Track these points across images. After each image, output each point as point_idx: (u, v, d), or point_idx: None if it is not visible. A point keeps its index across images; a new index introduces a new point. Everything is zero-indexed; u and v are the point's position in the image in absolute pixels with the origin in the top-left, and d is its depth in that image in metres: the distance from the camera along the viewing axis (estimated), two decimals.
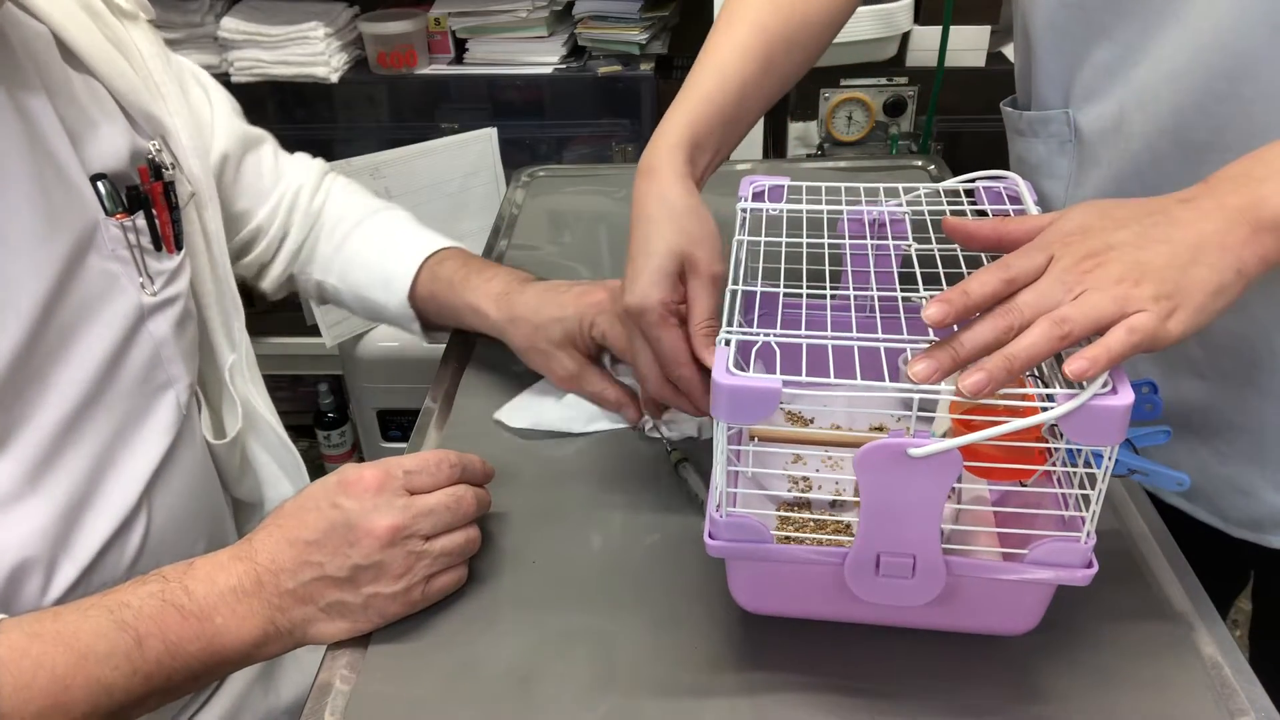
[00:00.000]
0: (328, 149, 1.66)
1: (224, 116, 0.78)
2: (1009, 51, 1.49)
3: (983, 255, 0.58)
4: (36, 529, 0.57)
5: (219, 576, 0.55)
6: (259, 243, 0.83)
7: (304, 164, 0.86)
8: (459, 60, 1.61)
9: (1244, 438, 0.69)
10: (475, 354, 0.85)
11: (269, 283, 0.86)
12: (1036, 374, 0.56)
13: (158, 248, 0.65)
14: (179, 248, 0.67)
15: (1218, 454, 0.71)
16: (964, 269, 0.57)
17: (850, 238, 0.64)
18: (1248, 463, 0.70)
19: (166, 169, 0.66)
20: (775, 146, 1.58)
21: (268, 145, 0.83)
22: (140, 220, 0.63)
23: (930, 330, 0.50)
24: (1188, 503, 0.75)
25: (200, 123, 0.75)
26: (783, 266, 0.58)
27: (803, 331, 0.50)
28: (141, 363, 0.64)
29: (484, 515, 0.67)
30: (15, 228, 0.56)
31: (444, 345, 0.86)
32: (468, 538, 0.60)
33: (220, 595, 0.54)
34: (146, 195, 0.64)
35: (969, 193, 0.65)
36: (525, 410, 0.76)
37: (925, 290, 0.57)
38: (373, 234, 0.83)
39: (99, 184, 0.61)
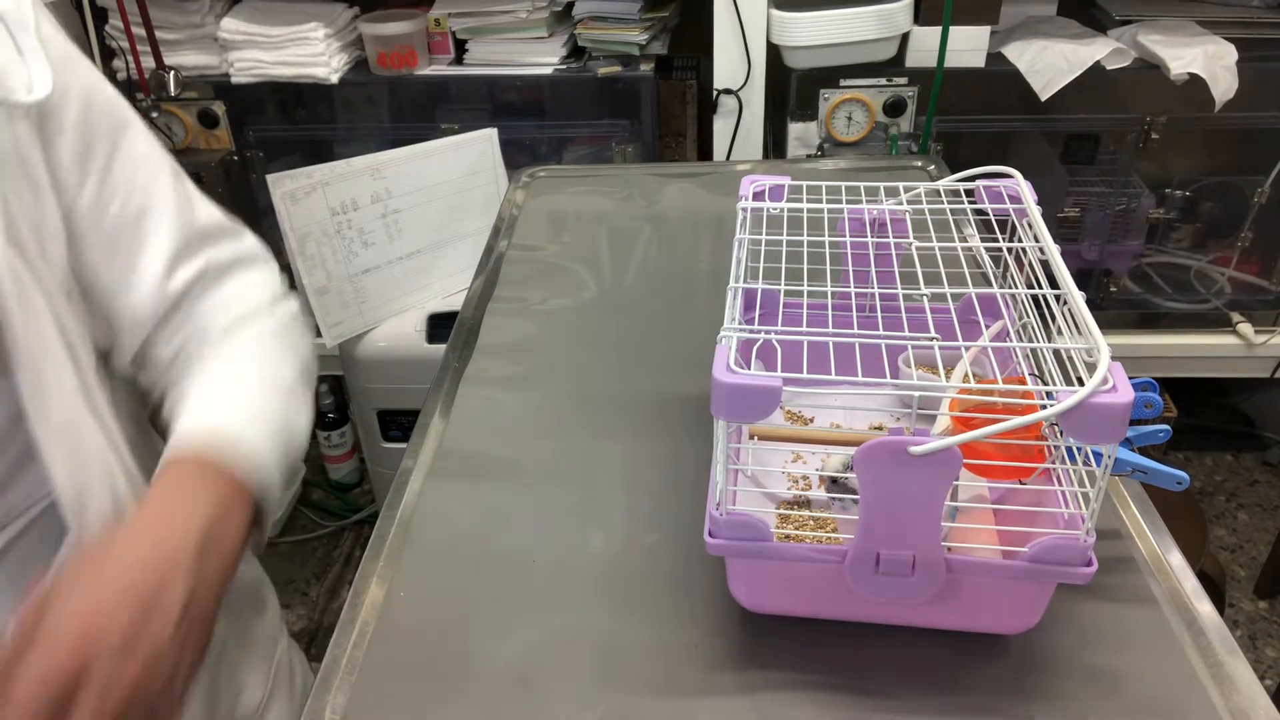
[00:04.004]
0: (328, 149, 1.67)
1: None
2: (1009, 52, 1.49)
3: (983, 253, 0.58)
4: None
5: None
6: None
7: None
8: (459, 61, 1.61)
9: None
10: (475, 354, 0.85)
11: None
12: (1036, 373, 0.56)
13: None
14: None
15: None
16: (964, 267, 0.57)
17: (850, 236, 0.64)
18: None
19: None
20: (775, 147, 1.58)
21: None
22: None
23: (930, 329, 0.50)
24: None
25: None
26: (783, 266, 0.59)
27: (804, 329, 0.50)
28: None
29: (485, 514, 0.67)
30: None
31: (444, 345, 0.87)
32: None
33: None
34: None
35: (969, 191, 0.65)
36: None
37: (926, 289, 0.57)
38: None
39: None
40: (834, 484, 0.62)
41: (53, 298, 0.55)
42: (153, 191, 0.62)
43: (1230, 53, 1.44)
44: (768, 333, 0.51)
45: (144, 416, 0.68)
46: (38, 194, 0.55)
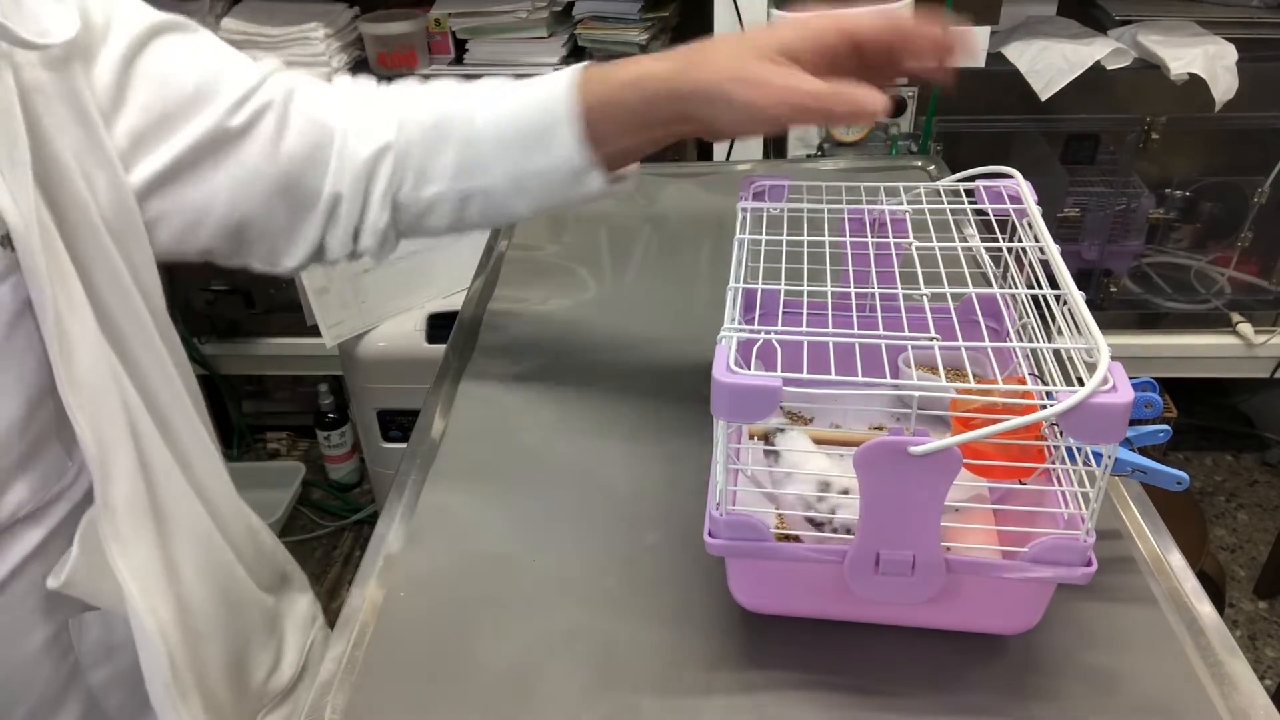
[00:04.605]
0: None
1: None
2: (1009, 52, 1.49)
3: (983, 253, 0.58)
4: None
5: None
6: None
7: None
8: (459, 61, 1.61)
9: None
10: (475, 354, 0.85)
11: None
12: (1036, 373, 0.56)
13: None
14: None
15: None
16: (964, 267, 0.57)
17: (850, 237, 0.64)
18: None
19: None
20: (775, 147, 1.58)
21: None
22: None
23: (930, 329, 0.50)
24: None
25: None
26: (783, 266, 0.59)
27: (804, 329, 0.50)
28: None
29: (484, 514, 0.67)
30: None
31: (444, 345, 0.87)
32: None
33: None
34: None
35: (969, 191, 0.65)
36: None
37: (926, 289, 0.57)
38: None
39: None
40: (767, 454, 0.60)
41: (79, 242, 0.55)
42: (211, 54, 0.65)
43: (1230, 53, 1.44)
44: (768, 333, 0.51)
45: (195, 383, 0.68)
46: (88, 126, 0.56)
